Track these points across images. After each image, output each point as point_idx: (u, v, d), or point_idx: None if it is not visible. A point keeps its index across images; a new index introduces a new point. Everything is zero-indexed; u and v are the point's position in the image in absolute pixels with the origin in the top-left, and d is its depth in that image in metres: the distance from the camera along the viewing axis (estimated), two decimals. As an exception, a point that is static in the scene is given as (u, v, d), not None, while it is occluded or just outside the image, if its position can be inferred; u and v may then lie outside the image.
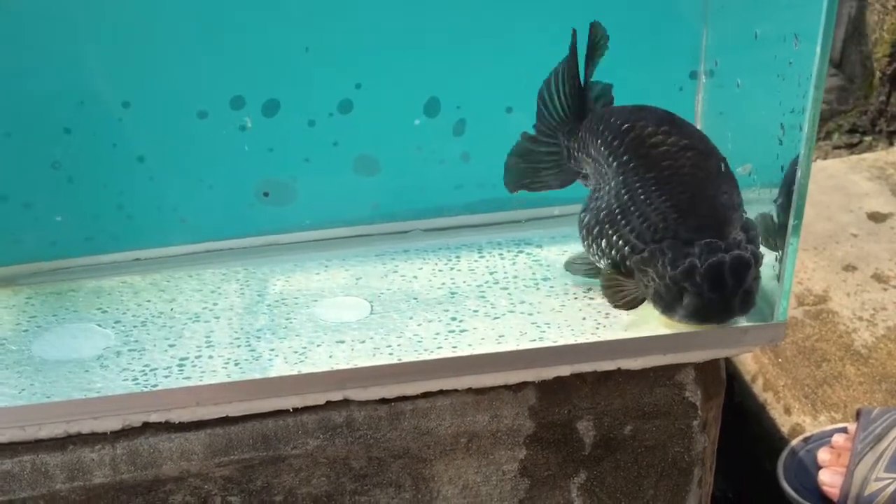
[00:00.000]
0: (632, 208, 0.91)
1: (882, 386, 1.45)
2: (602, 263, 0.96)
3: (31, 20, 0.96)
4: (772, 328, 0.94)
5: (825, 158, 2.41)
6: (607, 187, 0.95)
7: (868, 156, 2.39)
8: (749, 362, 1.58)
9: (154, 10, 0.97)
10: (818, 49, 0.80)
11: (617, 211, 0.92)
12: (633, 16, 1.02)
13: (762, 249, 0.91)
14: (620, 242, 0.91)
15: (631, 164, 0.93)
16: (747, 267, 0.86)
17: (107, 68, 0.99)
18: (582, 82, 0.99)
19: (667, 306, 0.89)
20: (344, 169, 1.08)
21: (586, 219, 0.97)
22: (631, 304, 0.94)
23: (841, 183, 2.19)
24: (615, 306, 0.96)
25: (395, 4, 1.00)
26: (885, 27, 2.38)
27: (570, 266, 1.04)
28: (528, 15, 1.03)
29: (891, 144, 2.39)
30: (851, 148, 2.44)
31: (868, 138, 2.45)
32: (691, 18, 1.03)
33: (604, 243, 0.93)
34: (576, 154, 1.00)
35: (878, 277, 1.77)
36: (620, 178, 0.94)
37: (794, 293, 1.75)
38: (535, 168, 1.04)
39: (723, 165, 0.93)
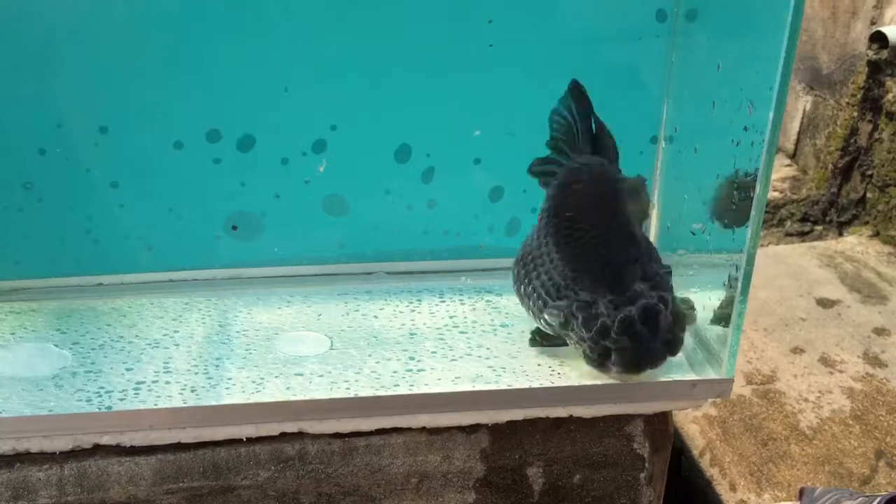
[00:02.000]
0: (539, 259, 0.97)
1: (825, 467, 1.48)
2: (524, 307, 1.00)
3: (15, 39, 0.98)
4: (719, 383, 0.96)
5: (777, 244, 2.49)
6: (535, 225, 1.01)
7: (819, 244, 2.47)
8: (697, 437, 1.61)
9: (140, 41, 0.99)
10: (771, 115, 0.84)
11: (530, 257, 0.98)
12: (598, 82, 1.06)
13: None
14: (535, 294, 0.97)
15: (547, 205, 1.00)
16: (656, 312, 0.90)
17: (87, 93, 1.01)
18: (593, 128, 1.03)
19: (598, 364, 0.94)
20: (313, 207, 1.10)
21: (517, 253, 1.02)
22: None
23: (793, 269, 2.25)
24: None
25: (375, 54, 1.03)
26: (838, 122, 2.49)
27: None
28: (501, 75, 1.07)
29: (840, 234, 2.48)
30: (803, 236, 2.52)
31: (819, 227, 2.53)
32: (653, 86, 1.08)
33: (522, 289, 0.99)
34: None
35: (825, 361, 1.82)
36: (540, 217, 1.00)
37: (743, 372, 1.79)
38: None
39: (621, 221, 0.97)
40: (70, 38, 0.99)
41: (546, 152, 1.03)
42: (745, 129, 0.90)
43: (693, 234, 1.01)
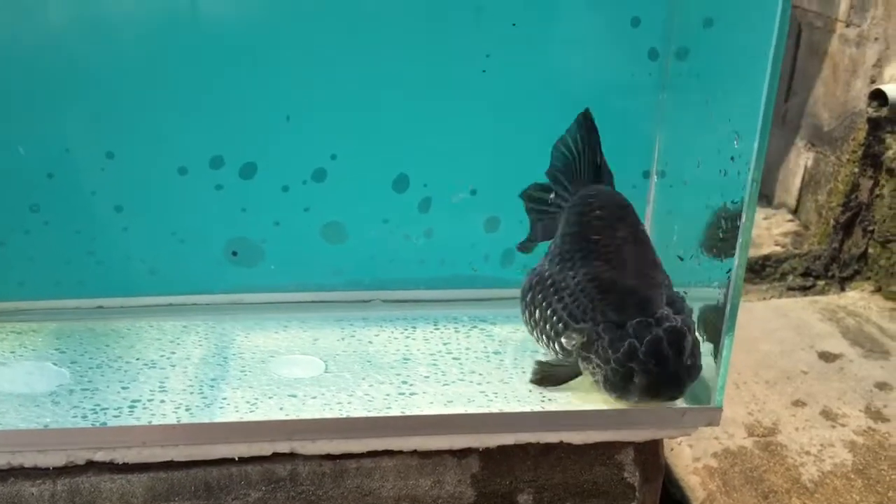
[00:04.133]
0: (562, 283, 0.97)
1: (827, 522, 1.46)
2: (535, 334, 1.00)
3: (27, 67, 1.01)
4: (708, 412, 0.97)
5: (780, 298, 2.49)
6: (550, 251, 1.02)
7: (821, 298, 2.48)
8: (697, 488, 1.59)
9: (148, 70, 1.03)
10: (756, 144, 0.87)
11: (549, 281, 0.98)
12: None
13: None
14: (554, 318, 0.96)
15: (570, 231, 1.00)
16: (683, 336, 0.90)
17: (96, 119, 1.04)
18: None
19: (620, 390, 0.93)
20: (312, 235, 1.12)
21: (524, 282, 1.03)
22: (550, 382, 1.00)
23: (795, 323, 2.26)
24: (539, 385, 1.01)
25: (376, 86, 1.07)
26: (839, 178, 2.52)
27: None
28: (497, 110, 1.10)
29: (842, 289, 2.48)
30: (805, 290, 2.53)
31: (821, 282, 2.54)
32: (645, 122, 1.11)
33: (537, 314, 0.98)
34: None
35: (827, 415, 1.81)
36: (559, 242, 1.01)
37: (744, 424, 1.78)
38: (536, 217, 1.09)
39: (647, 246, 0.99)
40: (80, 66, 1.02)
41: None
42: (732, 159, 0.92)
43: (680, 258, 1.03)
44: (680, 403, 0.98)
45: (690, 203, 1.04)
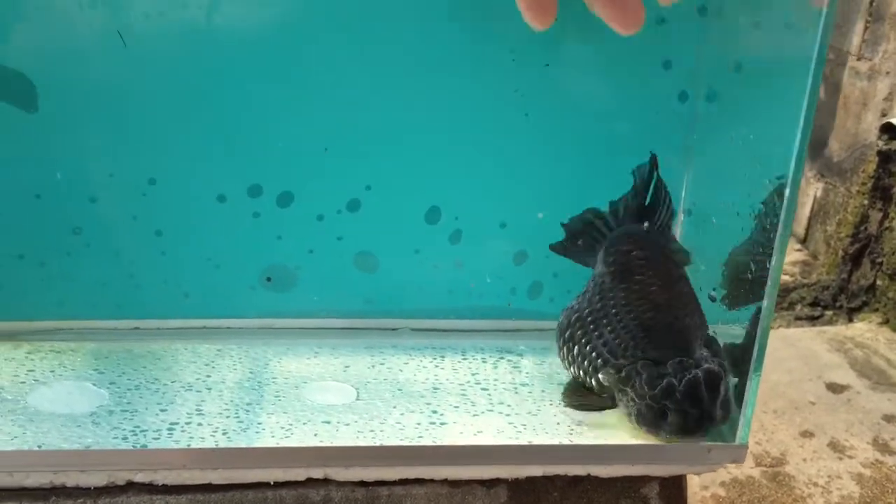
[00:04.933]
0: (604, 320, 0.99)
1: (835, 554, 1.48)
2: (571, 371, 1.03)
3: (75, 97, 1.04)
4: (734, 449, 0.99)
5: (788, 328, 2.52)
6: (587, 289, 1.04)
7: (829, 329, 2.50)
8: (705, 518, 1.61)
9: (192, 100, 1.06)
10: (787, 192, 0.89)
11: (589, 319, 1.00)
12: (621, 157, 1.12)
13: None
14: (594, 354, 0.99)
15: (610, 269, 1.03)
16: (720, 379, 0.93)
17: (138, 146, 1.07)
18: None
19: (651, 425, 0.95)
20: (345, 263, 1.15)
21: (561, 319, 1.05)
22: (585, 408, 1.03)
23: (802, 353, 2.28)
24: (570, 406, 1.04)
25: (412, 120, 1.09)
26: (848, 209, 2.55)
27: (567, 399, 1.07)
28: (528, 147, 1.13)
29: (850, 320, 2.51)
30: (813, 320, 2.55)
31: (829, 312, 2.56)
32: (674, 162, 1.13)
33: (575, 350, 1.01)
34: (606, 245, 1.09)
35: (834, 446, 1.83)
36: (599, 280, 1.03)
37: (752, 454, 1.81)
38: (583, 237, 1.11)
39: (687, 289, 1.02)
40: (126, 96, 1.05)
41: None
42: (764, 203, 0.95)
43: (712, 299, 1.05)
44: (706, 440, 1.00)
45: (718, 242, 1.07)
